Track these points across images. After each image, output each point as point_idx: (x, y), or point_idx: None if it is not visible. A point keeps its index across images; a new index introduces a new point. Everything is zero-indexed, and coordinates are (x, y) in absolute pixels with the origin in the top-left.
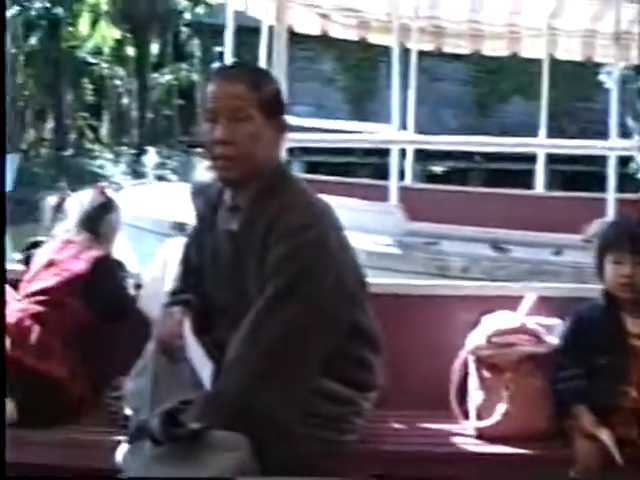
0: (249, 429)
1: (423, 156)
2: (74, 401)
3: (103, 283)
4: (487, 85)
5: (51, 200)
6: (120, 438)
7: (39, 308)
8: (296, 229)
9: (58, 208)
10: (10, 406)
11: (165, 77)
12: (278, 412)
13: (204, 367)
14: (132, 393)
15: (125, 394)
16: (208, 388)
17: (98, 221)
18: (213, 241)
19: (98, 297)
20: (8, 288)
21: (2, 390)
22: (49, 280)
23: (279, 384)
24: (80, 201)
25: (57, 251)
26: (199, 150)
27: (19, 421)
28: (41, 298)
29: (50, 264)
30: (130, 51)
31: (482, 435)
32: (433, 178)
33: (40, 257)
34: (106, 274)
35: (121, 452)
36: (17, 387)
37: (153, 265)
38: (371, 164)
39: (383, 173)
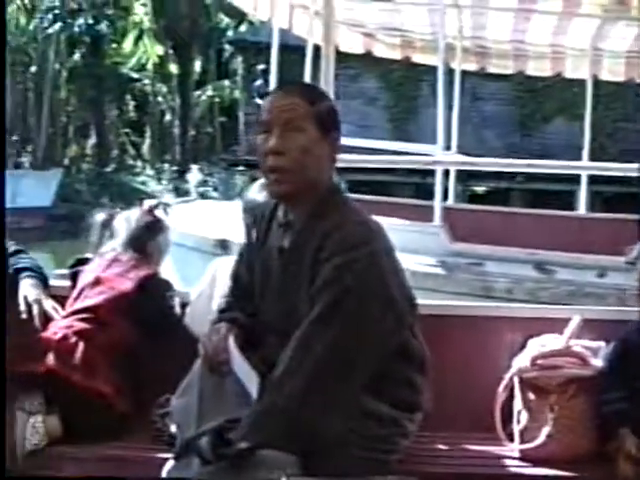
0: (295, 446)
1: (464, 176)
2: (118, 418)
3: (149, 302)
4: (530, 105)
5: (99, 216)
6: (165, 455)
7: (84, 325)
8: (347, 248)
9: (106, 225)
10: (55, 421)
11: (207, 94)
12: (324, 430)
13: (250, 380)
14: (178, 410)
15: (171, 411)
16: (255, 399)
17: (146, 241)
18: (264, 258)
19: (144, 316)
20: (54, 304)
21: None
22: (95, 298)
23: (325, 402)
24: (128, 220)
25: (104, 269)
26: (240, 168)
27: (63, 437)
28: (86, 316)
29: (96, 282)
30: (173, 68)
31: (526, 457)
32: (474, 198)
33: (86, 275)
34: (152, 293)
35: (167, 469)
36: (62, 403)
37: (200, 283)
38: (412, 183)
39: (424, 192)
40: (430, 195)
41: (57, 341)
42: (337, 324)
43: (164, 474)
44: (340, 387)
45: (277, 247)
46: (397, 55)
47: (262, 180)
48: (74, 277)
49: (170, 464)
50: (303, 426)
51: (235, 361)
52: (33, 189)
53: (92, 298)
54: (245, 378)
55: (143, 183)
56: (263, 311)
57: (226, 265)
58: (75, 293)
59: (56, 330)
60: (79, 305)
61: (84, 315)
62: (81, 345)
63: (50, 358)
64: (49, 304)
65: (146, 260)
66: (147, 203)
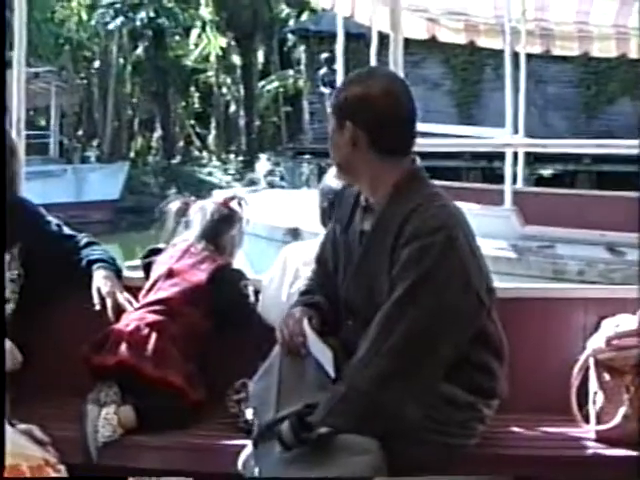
0: (375, 429)
1: (531, 159)
2: (190, 407)
3: (222, 293)
4: (594, 87)
5: (174, 205)
6: (241, 442)
7: (157, 317)
8: (426, 231)
9: (181, 214)
10: (129, 412)
11: (271, 84)
12: (403, 413)
13: (327, 359)
14: (256, 394)
15: (249, 395)
16: (332, 383)
17: (221, 234)
18: (347, 241)
19: (217, 307)
20: (128, 296)
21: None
22: (168, 290)
23: (405, 385)
24: (204, 211)
25: (176, 260)
26: (306, 156)
27: (138, 427)
28: (159, 308)
29: (169, 274)
30: (236, 59)
31: (602, 438)
32: (541, 181)
33: (159, 266)
34: (225, 284)
35: (245, 455)
36: (135, 394)
37: (270, 271)
38: (478, 168)
39: (490, 177)
40: (496, 180)
41: (129, 333)
42: (417, 308)
43: (241, 461)
44: (420, 371)
45: (359, 230)
46: (461, 39)
47: None
48: (147, 268)
49: (247, 451)
50: (383, 410)
51: (311, 343)
52: (100, 182)
53: (165, 290)
54: (322, 358)
55: (209, 174)
56: (344, 294)
57: (295, 252)
58: (148, 285)
59: (128, 322)
60: (152, 297)
61: (157, 307)
62: (153, 336)
63: (122, 349)
64: (123, 296)
65: (219, 251)
66: (223, 195)
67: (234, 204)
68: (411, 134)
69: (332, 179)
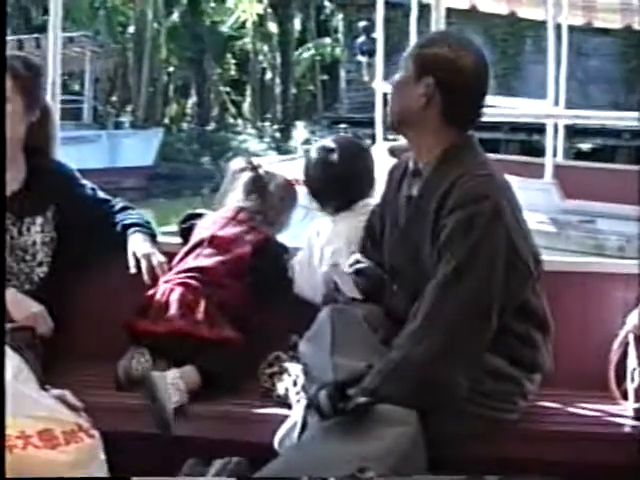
0: (427, 402)
1: (571, 133)
2: (248, 362)
3: (265, 267)
4: (635, 60)
5: (236, 164)
6: (276, 412)
7: (198, 284)
8: (471, 198)
9: (239, 174)
10: (194, 373)
11: (308, 52)
12: (454, 387)
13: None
14: (308, 356)
15: (301, 357)
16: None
17: (277, 212)
18: (394, 208)
19: (259, 280)
20: (163, 258)
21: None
22: (210, 259)
23: (458, 359)
24: (267, 182)
25: (221, 227)
26: (343, 126)
27: (204, 388)
28: (200, 276)
29: (212, 241)
30: (273, 27)
31: None
32: (581, 155)
33: (202, 230)
34: (268, 258)
35: (281, 433)
36: (189, 358)
37: (301, 250)
38: (517, 141)
39: (529, 150)
40: (534, 153)
41: (178, 299)
42: (469, 280)
43: (277, 439)
44: (472, 344)
45: (406, 196)
46: (503, 10)
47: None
48: (185, 233)
49: (283, 429)
50: (436, 383)
51: (341, 281)
52: (134, 148)
53: (207, 258)
54: (347, 289)
55: (244, 142)
56: (389, 258)
57: (321, 232)
58: (188, 248)
59: (171, 287)
60: (193, 263)
61: (197, 274)
62: (202, 302)
63: (173, 316)
64: (158, 259)
65: (266, 224)
66: (292, 177)
67: (294, 183)
68: (481, 110)
69: (315, 155)
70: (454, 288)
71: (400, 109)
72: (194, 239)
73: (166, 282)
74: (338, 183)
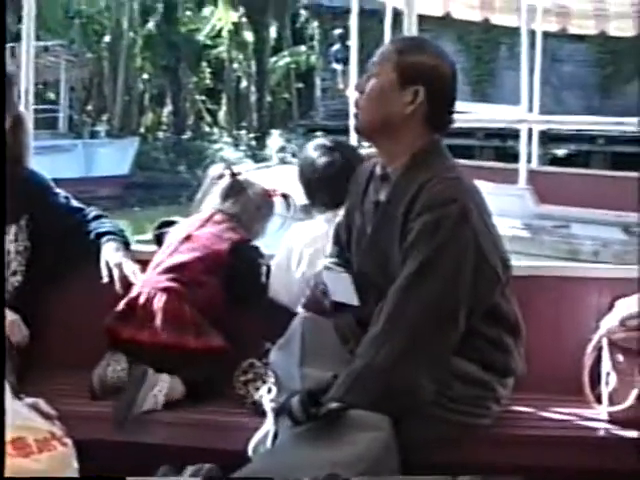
0: (393, 407)
1: (545, 139)
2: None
3: (241, 267)
4: (610, 67)
5: (214, 171)
6: (249, 420)
7: (177, 285)
8: (440, 202)
9: (217, 180)
10: (178, 384)
11: (283, 60)
12: (419, 389)
13: (346, 289)
14: (278, 365)
15: (270, 365)
16: (356, 304)
17: (254, 220)
18: (361, 214)
19: (234, 281)
20: (135, 267)
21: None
22: (187, 255)
23: (421, 361)
24: (245, 190)
25: (197, 228)
26: (318, 134)
27: (186, 397)
28: (177, 275)
29: (188, 238)
30: (248, 35)
31: (615, 420)
32: (556, 161)
33: (177, 231)
34: (244, 259)
35: (255, 440)
36: (171, 366)
37: (278, 254)
38: (491, 147)
39: (503, 157)
40: (509, 159)
41: (162, 308)
42: (432, 281)
43: (251, 446)
44: (435, 346)
45: (373, 201)
46: (477, 16)
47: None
48: (159, 240)
49: (258, 436)
50: (400, 387)
51: (331, 284)
52: (109, 158)
53: (183, 254)
54: (344, 294)
55: (220, 150)
56: (358, 267)
57: (297, 233)
58: (164, 248)
59: (149, 288)
60: (171, 261)
61: (175, 274)
62: (186, 307)
63: (158, 325)
64: (130, 268)
65: (242, 228)
66: (271, 187)
67: (277, 197)
68: (453, 115)
69: (314, 152)
70: (417, 289)
71: (382, 116)
72: (170, 238)
73: (146, 285)
74: (335, 180)
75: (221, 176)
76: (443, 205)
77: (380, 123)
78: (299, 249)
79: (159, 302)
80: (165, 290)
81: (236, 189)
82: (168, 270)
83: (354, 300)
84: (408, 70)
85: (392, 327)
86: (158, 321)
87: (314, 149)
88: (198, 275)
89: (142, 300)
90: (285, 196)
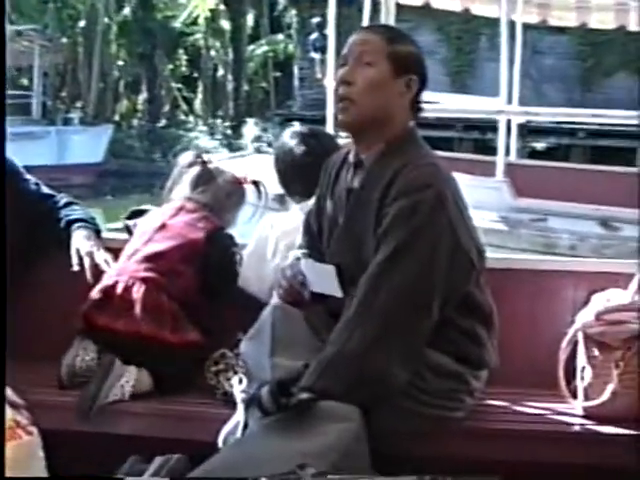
0: (359, 396)
1: (525, 132)
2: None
3: (214, 257)
4: (591, 59)
5: (184, 159)
6: (219, 411)
7: (155, 275)
8: (415, 188)
9: (187, 168)
10: (146, 377)
11: (261, 49)
12: (391, 376)
13: (329, 279)
14: (248, 355)
15: (241, 356)
16: (339, 295)
17: (225, 208)
18: (333, 203)
19: (209, 269)
20: (107, 256)
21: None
22: (162, 244)
23: (394, 347)
24: (215, 177)
25: (170, 217)
26: (295, 123)
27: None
28: (154, 264)
29: (163, 227)
30: (225, 23)
31: (590, 415)
32: (535, 155)
33: (151, 220)
34: (219, 247)
35: (225, 431)
36: (143, 357)
37: (251, 243)
38: (470, 139)
39: (483, 149)
40: (488, 152)
41: (142, 298)
42: (406, 266)
43: (222, 437)
44: (408, 332)
45: (346, 188)
46: (456, 6)
47: (295, 127)
48: (129, 229)
49: (228, 427)
50: (368, 374)
51: (310, 275)
52: (83, 145)
53: (159, 243)
54: (325, 285)
55: (195, 139)
56: (331, 256)
57: (273, 223)
58: (137, 236)
59: (132, 281)
60: (148, 250)
61: (151, 263)
62: (164, 298)
63: (136, 315)
64: (101, 256)
65: (215, 217)
66: (242, 174)
67: (248, 184)
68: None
69: (291, 139)
70: (390, 274)
71: (378, 107)
72: (143, 227)
73: (123, 273)
74: (311, 169)
75: (191, 164)
76: (419, 190)
77: (376, 114)
78: (274, 239)
79: (137, 292)
80: (144, 280)
81: (206, 177)
82: (145, 259)
83: (337, 292)
84: (401, 60)
85: (364, 313)
86: (136, 311)
87: (291, 137)
88: (175, 264)
89: (119, 289)
90: (256, 183)
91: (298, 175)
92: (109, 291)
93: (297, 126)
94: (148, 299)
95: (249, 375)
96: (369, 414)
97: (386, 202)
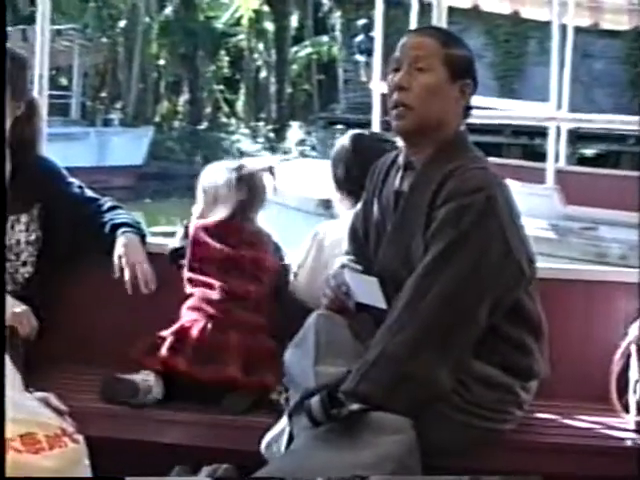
0: (406, 398)
1: (574, 138)
2: None
3: (284, 273)
4: None
5: (221, 174)
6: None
7: (246, 314)
8: (465, 191)
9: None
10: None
11: (305, 51)
12: (434, 382)
13: (372, 292)
14: (292, 364)
15: (285, 363)
16: (384, 307)
17: (257, 208)
18: (381, 207)
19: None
20: (150, 269)
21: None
22: (251, 283)
23: (438, 352)
24: (249, 179)
25: (236, 245)
26: (339, 127)
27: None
28: (243, 303)
29: (229, 259)
30: (268, 24)
31: None
32: (584, 161)
33: (211, 251)
34: (285, 265)
35: (269, 437)
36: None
37: (304, 250)
38: (519, 145)
39: (532, 155)
40: (536, 158)
41: (237, 348)
42: (453, 269)
43: (264, 443)
44: (453, 338)
45: (394, 191)
46: (506, 9)
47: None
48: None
49: (271, 433)
50: (414, 377)
51: (355, 286)
52: (123, 147)
53: (247, 282)
54: (369, 297)
55: (237, 141)
56: (379, 262)
57: (328, 230)
58: (205, 264)
59: (223, 327)
60: (233, 287)
61: (242, 304)
62: (255, 349)
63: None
64: (143, 269)
65: (252, 224)
66: (260, 165)
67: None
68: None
69: (347, 144)
70: (436, 276)
71: (438, 113)
72: (202, 253)
73: (208, 314)
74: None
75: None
76: (469, 193)
77: (435, 120)
78: (329, 246)
79: (232, 340)
80: (236, 327)
81: (247, 183)
82: (233, 298)
83: (381, 303)
84: (457, 64)
85: (408, 315)
86: (231, 362)
87: (350, 139)
88: (263, 304)
89: (209, 335)
90: (271, 169)
91: (355, 179)
92: (184, 333)
93: (357, 130)
94: (240, 349)
95: (293, 383)
96: (418, 426)
97: (436, 205)
